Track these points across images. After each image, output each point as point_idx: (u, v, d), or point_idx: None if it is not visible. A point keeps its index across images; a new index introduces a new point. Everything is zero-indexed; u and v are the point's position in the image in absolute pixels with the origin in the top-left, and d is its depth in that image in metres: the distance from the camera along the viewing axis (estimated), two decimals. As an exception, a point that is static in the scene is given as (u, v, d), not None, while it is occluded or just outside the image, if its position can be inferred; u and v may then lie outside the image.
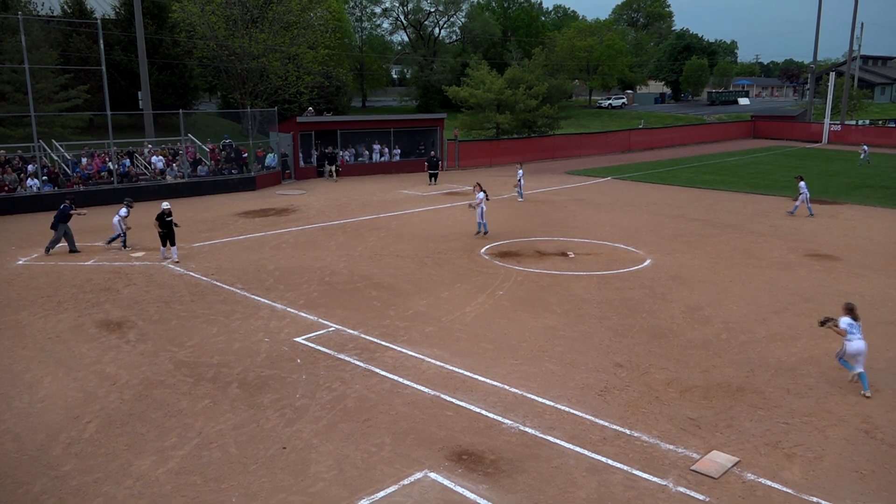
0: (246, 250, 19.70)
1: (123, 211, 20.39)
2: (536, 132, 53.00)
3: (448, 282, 16.45)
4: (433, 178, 34.32)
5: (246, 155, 34.02)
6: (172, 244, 18.68)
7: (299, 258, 18.68)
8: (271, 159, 35.25)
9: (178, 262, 18.16)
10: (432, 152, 36.49)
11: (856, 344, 11.31)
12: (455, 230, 22.53)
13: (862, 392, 11.23)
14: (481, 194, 21.82)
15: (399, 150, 41.03)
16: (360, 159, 38.91)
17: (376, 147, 40.33)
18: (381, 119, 43.15)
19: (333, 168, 35.28)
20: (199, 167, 32.53)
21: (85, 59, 40.93)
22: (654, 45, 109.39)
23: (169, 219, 18.73)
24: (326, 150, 36.93)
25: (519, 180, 29.30)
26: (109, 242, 20.32)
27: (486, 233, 21.74)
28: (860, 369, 11.46)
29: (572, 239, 21.34)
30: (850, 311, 11.49)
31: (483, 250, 19.73)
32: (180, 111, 32.49)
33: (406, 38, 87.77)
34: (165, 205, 18.98)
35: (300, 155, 37.21)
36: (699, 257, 19.37)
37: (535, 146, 48.47)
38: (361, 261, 18.38)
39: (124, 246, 20.15)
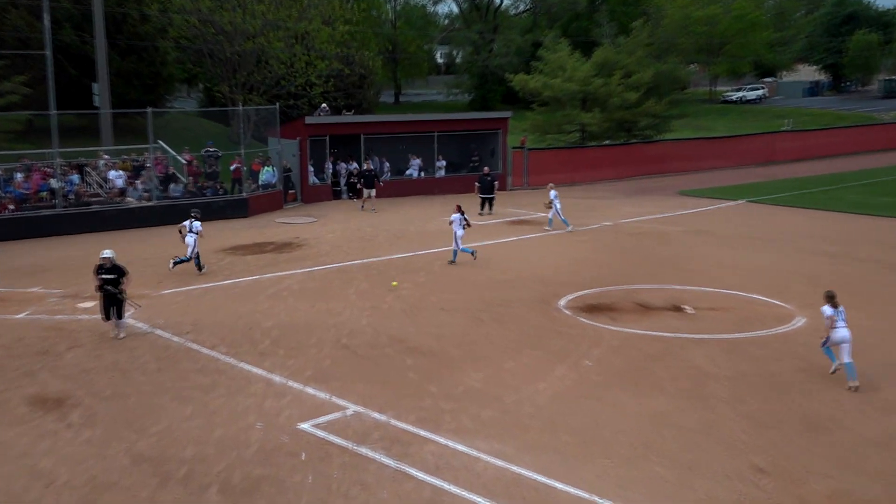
0: (234, 300, 19.72)
1: (198, 225, 22.96)
2: (638, 137, 52.35)
3: (513, 346, 16.26)
4: (487, 206, 34.02)
5: (214, 170, 33.89)
6: (119, 316, 17.65)
7: (306, 311, 18.61)
8: (270, 175, 35.24)
9: (123, 338, 17.41)
10: (485, 169, 36.14)
11: (840, 332, 15.06)
12: (523, 273, 22.52)
13: (849, 383, 14.69)
14: (454, 216, 24.13)
15: (444, 163, 41.11)
16: (387, 175, 38.66)
17: (414, 162, 40.38)
18: (420, 119, 43.06)
19: (371, 193, 34.98)
20: (173, 186, 32.38)
21: (24, 41, 41.04)
22: (804, 16, 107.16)
23: (107, 277, 17.52)
24: (363, 168, 36.86)
25: (552, 202, 29.86)
26: (176, 264, 22.49)
27: (451, 261, 23.94)
28: (847, 359, 15.04)
29: (689, 287, 21.37)
30: (831, 298, 15.19)
31: (563, 302, 19.59)
32: (148, 110, 31.89)
33: (456, 10, 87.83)
34: (106, 253, 17.91)
35: (310, 168, 37.30)
36: (874, 315, 18.88)
37: (636, 156, 47.90)
38: (392, 316, 18.28)
39: (200, 268, 22.74)
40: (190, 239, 22.57)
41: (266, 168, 36.15)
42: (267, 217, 33.44)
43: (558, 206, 30.13)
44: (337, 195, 38.27)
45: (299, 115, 44.32)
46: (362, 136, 39.65)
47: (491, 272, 22.88)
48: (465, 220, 23.79)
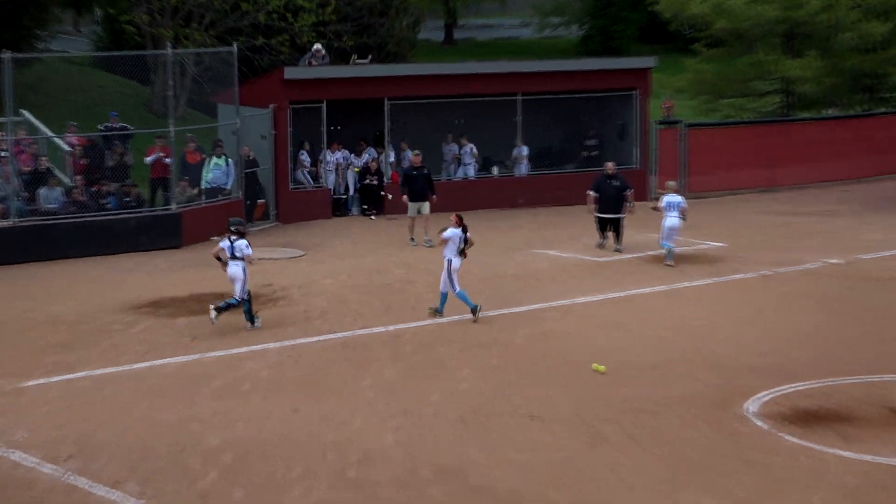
0: (152, 398, 15.86)
1: (243, 245, 20.75)
2: (888, 104, 41.95)
3: (664, 487, 13.80)
4: (612, 232, 28.05)
5: (122, 162, 29.18)
6: None
7: (285, 419, 15.34)
8: (221, 172, 29.92)
9: None
10: (608, 166, 28.86)
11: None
12: (678, 350, 17.68)
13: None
14: (451, 231, 21.39)
15: (525, 150, 34.74)
16: (468, 168, 33.58)
17: (467, 148, 34.31)
18: (492, 72, 35.18)
19: (420, 209, 29.89)
20: (45, 191, 26.40)
21: None
22: None
23: None
24: (400, 162, 32.55)
25: (671, 207, 25.51)
26: (221, 311, 20.85)
27: (438, 310, 21.60)
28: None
29: None
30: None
31: (753, 405, 15.85)
32: (5, 54, 26.77)
33: None
34: None
35: (303, 160, 32.37)
36: None
37: (884, 138, 38.76)
38: (440, 429, 15.06)
39: (252, 321, 20.95)
40: (236, 269, 20.77)
41: (214, 160, 30.07)
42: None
43: (672, 222, 25.79)
44: (342, 208, 32.80)
45: (273, 64, 37.99)
46: (387, 103, 32.48)
47: (620, 349, 18.34)
48: (466, 239, 21.89)
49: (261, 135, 32.20)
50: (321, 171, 33.55)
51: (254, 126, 32.02)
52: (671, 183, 28.18)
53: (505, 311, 23.18)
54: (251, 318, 21.10)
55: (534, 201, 34.73)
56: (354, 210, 33.76)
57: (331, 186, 33.30)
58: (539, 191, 35.12)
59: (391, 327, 21.78)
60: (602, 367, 19.12)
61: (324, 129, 32.77)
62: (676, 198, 26.79)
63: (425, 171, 29.63)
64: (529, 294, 24.39)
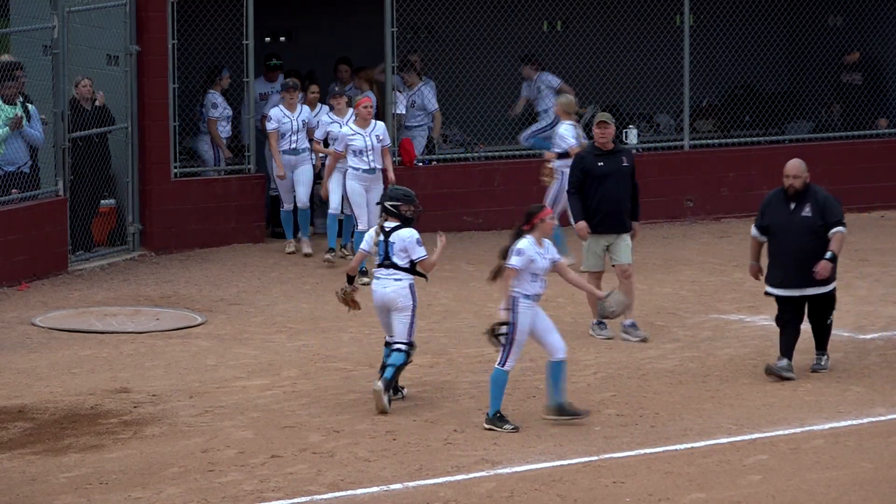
0: None
1: (416, 241, 16.58)
2: None
3: None
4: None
5: None
6: None
7: None
8: (12, 139, 21.82)
9: None
10: (790, 169, 20.98)
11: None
12: None
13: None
14: (531, 245, 15.53)
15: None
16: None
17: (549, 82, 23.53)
18: None
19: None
20: None
21: None
22: None
23: None
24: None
25: None
26: (392, 388, 17.41)
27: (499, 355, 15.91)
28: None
29: None
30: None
31: None
32: None
33: None
34: None
35: (177, 114, 22.09)
36: None
37: None
38: None
39: (397, 391, 16.91)
40: (395, 289, 15.79)
41: None
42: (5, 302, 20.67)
43: None
44: (279, 223, 21.51)
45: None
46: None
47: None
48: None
49: (107, 54, 21.85)
50: (245, 138, 22.14)
51: (93, 36, 21.45)
52: None
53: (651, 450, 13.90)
54: (395, 385, 15.34)
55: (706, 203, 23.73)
56: (296, 237, 22.35)
57: (273, 174, 21.79)
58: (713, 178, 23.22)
59: (408, 485, 12.87)
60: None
61: (249, 41, 21.15)
62: None
63: (622, 159, 17.58)
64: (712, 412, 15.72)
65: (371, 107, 19.31)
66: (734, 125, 23.80)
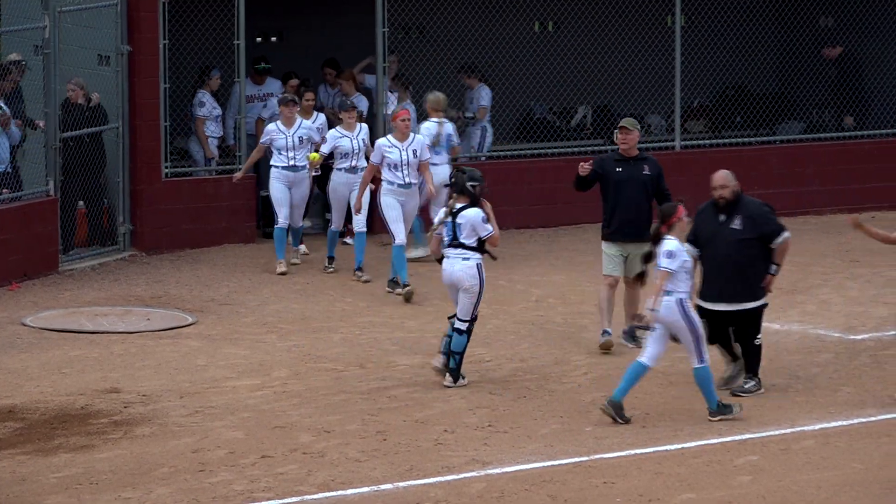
0: None
1: (482, 218, 17.14)
2: None
3: None
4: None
5: None
6: None
7: None
8: None
9: None
10: (718, 181, 18.94)
11: None
12: None
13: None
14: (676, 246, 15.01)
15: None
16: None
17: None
18: None
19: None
20: None
21: None
22: None
23: None
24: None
25: None
26: (455, 373, 16.89)
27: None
28: None
29: None
30: None
31: None
32: None
33: None
34: None
35: (167, 114, 22.02)
36: None
37: None
38: None
39: (457, 378, 17.35)
40: (463, 268, 16.35)
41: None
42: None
43: None
44: (271, 223, 21.00)
45: None
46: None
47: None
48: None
49: (98, 54, 21.77)
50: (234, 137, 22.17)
51: (84, 36, 21.59)
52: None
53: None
54: (457, 371, 15.53)
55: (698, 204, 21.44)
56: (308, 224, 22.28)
57: (268, 180, 21.93)
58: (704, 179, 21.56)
59: (399, 485, 13.15)
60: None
61: (240, 41, 21.01)
62: None
63: (644, 167, 17.50)
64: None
65: (408, 119, 18.90)
66: (725, 126, 23.58)
